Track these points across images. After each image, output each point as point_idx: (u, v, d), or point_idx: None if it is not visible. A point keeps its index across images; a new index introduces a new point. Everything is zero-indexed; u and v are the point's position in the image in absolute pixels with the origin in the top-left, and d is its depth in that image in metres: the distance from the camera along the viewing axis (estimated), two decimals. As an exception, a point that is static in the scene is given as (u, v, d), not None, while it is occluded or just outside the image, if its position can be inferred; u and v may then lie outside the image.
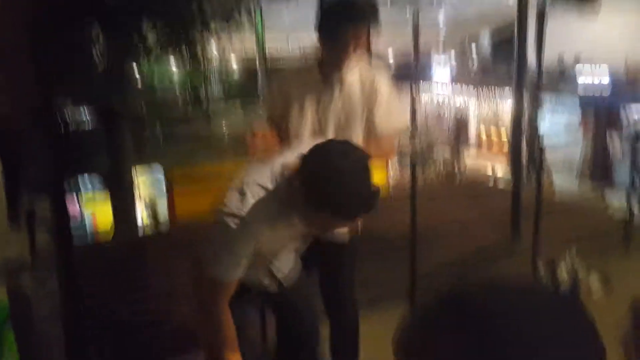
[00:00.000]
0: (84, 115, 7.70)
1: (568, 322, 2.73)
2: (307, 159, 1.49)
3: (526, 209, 4.30)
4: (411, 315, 2.49)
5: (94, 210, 8.89)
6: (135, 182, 7.20)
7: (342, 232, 2.24)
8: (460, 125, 18.13)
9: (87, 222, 9.03)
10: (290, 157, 1.60)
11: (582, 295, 3.28)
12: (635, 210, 4.63)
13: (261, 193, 1.54)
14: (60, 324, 1.26)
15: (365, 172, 1.49)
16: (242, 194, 1.52)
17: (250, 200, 1.52)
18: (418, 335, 2.55)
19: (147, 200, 8.60)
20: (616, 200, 5.76)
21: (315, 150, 1.50)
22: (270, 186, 1.55)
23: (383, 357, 2.77)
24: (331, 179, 1.44)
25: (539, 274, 3.71)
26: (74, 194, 8.65)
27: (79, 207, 8.94)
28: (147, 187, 9.05)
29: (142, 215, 8.32)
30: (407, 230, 3.50)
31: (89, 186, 8.99)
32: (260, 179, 1.56)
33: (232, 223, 1.51)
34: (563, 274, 3.63)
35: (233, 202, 1.52)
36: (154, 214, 8.41)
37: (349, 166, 1.45)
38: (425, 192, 3.97)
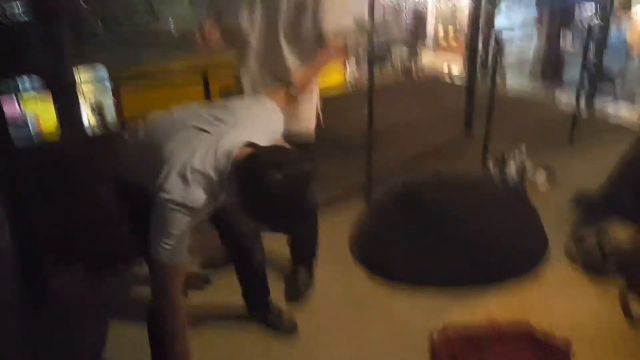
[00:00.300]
0: (17, 8, 7.10)
1: (514, 214, 2.88)
2: (241, 170, 1.46)
3: (479, 107, 4.36)
4: (366, 213, 2.58)
5: (37, 111, 8.51)
6: (79, 82, 6.87)
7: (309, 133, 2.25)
8: (418, 23, 17.80)
9: (30, 123, 8.67)
10: (233, 136, 1.55)
11: (528, 189, 3.42)
12: (582, 107, 4.77)
13: (204, 181, 1.50)
14: (7, 230, 1.20)
15: (301, 189, 1.46)
16: (186, 181, 1.48)
17: (194, 189, 1.48)
18: (372, 232, 2.65)
19: (93, 100, 8.26)
20: (565, 97, 5.90)
21: (251, 161, 1.46)
22: (213, 175, 1.51)
23: (340, 255, 2.88)
24: (262, 197, 1.42)
25: (489, 170, 3.83)
26: (14, 95, 8.20)
27: (20, 108, 8.52)
28: (92, 87, 8.65)
29: (88, 116, 8.05)
30: (364, 128, 3.50)
31: (30, 87, 8.52)
32: (202, 166, 1.50)
33: (176, 210, 1.48)
34: (512, 169, 3.75)
35: (176, 189, 1.47)
36: (100, 115, 8.13)
37: (283, 186, 1.41)
38: (382, 90, 3.94)
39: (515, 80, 8.56)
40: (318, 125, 2.42)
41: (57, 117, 6.17)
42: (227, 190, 1.53)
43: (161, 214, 1.49)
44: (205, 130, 1.59)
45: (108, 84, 7.24)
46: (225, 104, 1.79)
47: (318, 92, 2.42)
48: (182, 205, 1.47)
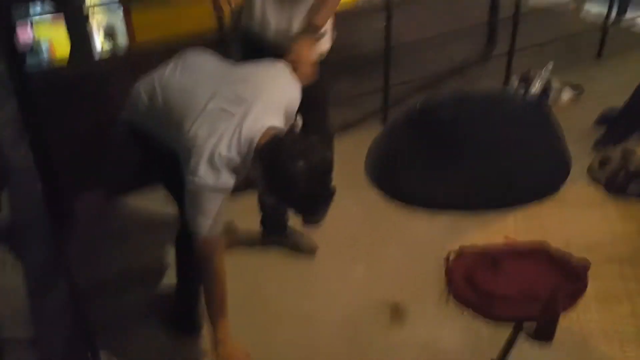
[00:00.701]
0: None
1: (537, 134, 2.76)
2: (264, 159, 1.54)
3: (503, 21, 4.14)
4: (381, 134, 2.52)
5: (50, 36, 8.42)
6: (90, 5, 6.72)
7: (322, 50, 2.18)
8: None
9: (43, 49, 8.60)
10: (255, 118, 1.59)
11: (554, 107, 3.30)
12: (612, 19, 4.51)
13: (231, 164, 1.58)
14: (24, 146, 1.21)
15: (323, 177, 1.56)
16: (215, 167, 1.56)
17: (224, 173, 1.57)
18: (388, 154, 2.59)
19: (104, 25, 8.12)
20: (595, 8, 5.57)
21: (275, 147, 1.54)
22: (237, 159, 1.58)
23: (356, 179, 2.83)
24: (286, 183, 1.51)
25: (512, 87, 3.70)
26: (28, 21, 8.10)
27: (33, 34, 8.43)
28: (104, 11, 8.47)
29: (100, 40, 7.95)
30: (379, 46, 3.36)
31: (43, 13, 8.37)
32: (229, 151, 1.57)
33: (208, 192, 1.58)
34: (537, 88, 3.61)
35: (208, 176, 1.56)
36: (112, 39, 8.01)
37: (305, 172, 1.49)
38: (398, 3, 3.76)
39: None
40: (331, 45, 2.32)
41: (70, 42, 6.10)
42: (251, 171, 1.63)
43: (196, 195, 1.59)
44: (229, 111, 1.61)
45: (119, 8, 7.05)
46: (245, 73, 1.77)
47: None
48: (215, 189, 1.58)
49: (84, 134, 3.34)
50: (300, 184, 1.50)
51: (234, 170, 1.59)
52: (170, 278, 2.20)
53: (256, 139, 1.57)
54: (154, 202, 2.78)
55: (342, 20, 2.43)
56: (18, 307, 1.82)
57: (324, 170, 1.57)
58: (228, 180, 1.58)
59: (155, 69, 1.83)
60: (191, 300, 2.04)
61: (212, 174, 1.56)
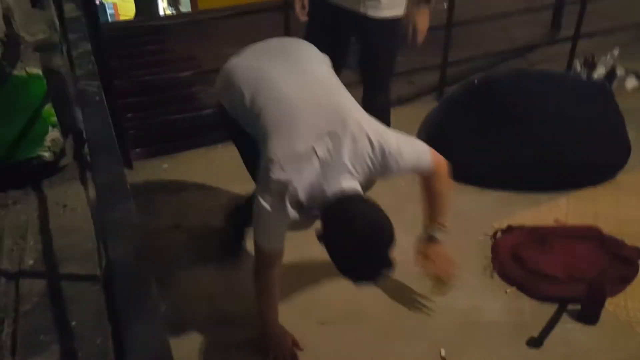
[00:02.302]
0: None
1: (598, 117, 2.71)
2: (330, 217, 1.54)
3: (570, 4, 4.02)
4: (437, 107, 2.51)
5: (116, 0, 8.68)
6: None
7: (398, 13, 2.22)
8: None
9: (108, 12, 8.88)
10: (336, 178, 1.57)
11: (616, 92, 3.19)
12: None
13: (298, 205, 1.59)
14: (97, 81, 1.29)
15: (386, 246, 1.51)
16: (282, 202, 1.57)
17: (289, 209, 1.58)
18: (442, 127, 2.59)
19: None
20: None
21: (341, 214, 1.52)
22: (305, 203, 1.59)
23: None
24: (350, 253, 1.49)
25: (575, 71, 3.60)
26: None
27: (99, -2, 8.71)
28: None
29: (163, 4, 8.13)
30: (443, 22, 3.32)
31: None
32: (302, 197, 1.57)
33: (273, 220, 1.62)
34: (600, 73, 3.50)
35: (272, 204, 1.58)
36: (176, 7, 8.18)
37: (369, 242, 1.48)
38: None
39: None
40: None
41: (135, 6, 6.27)
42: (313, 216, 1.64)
43: (261, 214, 1.61)
44: (317, 156, 1.57)
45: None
46: (342, 103, 1.69)
47: None
48: (277, 218, 1.61)
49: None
50: (355, 261, 1.50)
51: (299, 209, 1.61)
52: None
53: (330, 194, 1.56)
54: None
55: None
56: (78, 245, 1.96)
57: (387, 238, 1.52)
58: (292, 214, 1.60)
59: (251, 51, 1.84)
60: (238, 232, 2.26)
61: (278, 206, 1.58)
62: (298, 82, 1.68)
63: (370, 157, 1.61)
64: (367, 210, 1.54)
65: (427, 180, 1.89)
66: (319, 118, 1.60)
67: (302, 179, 1.56)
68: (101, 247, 1.93)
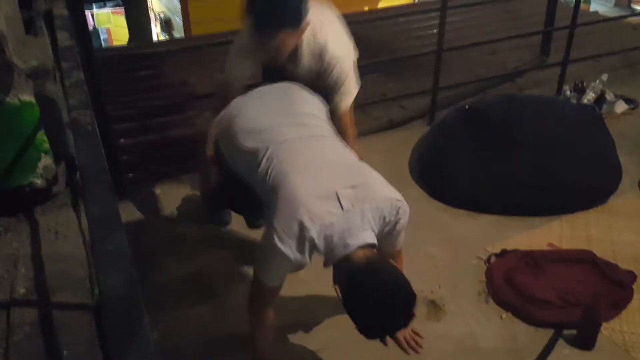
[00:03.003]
0: None
1: (588, 142, 2.73)
2: (349, 276, 1.51)
3: (559, 29, 4.09)
4: (428, 133, 2.54)
5: (109, 25, 8.75)
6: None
7: None
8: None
9: (101, 37, 8.94)
10: (357, 232, 1.54)
11: (606, 117, 3.23)
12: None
13: (314, 250, 1.56)
14: (90, 110, 1.29)
15: (408, 311, 1.53)
16: (302, 248, 1.53)
17: (307, 254, 1.55)
18: (433, 153, 2.61)
19: (162, 15, 8.37)
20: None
21: (362, 281, 1.49)
22: (323, 251, 1.56)
23: (398, 175, 2.82)
24: (372, 318, 1.49)
25: (565, 96, 3.64)
26: (88, 12, 8.41)
27: (93, 22, 8.77)
28: (162, 4, 8.74)
29: (157, 30, 8.19)
30: (433, 46, 3.37)
31: (103, 4, 8.70)
32: (319, 242, 1.54)
33: (283, 261, 1.55)
34: (589, 96, 3.55)
35: (291, 250, 1.53)
36: (169, 32, 8.25)
37: (390, 308, 1.48)
38: (455, 5, 3.78)
39: (600, 6, 7.94)
40: None
41: (129, 31, 6.32)
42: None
43: (273, 257, 1.57)
44: (341, 204, 1.54)
45: (177, 1, 7.26)
46: (357, 162, 1.73)
47: None
48: (292, 261, 1.56)
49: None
50: (376, 324, 1.51)
51: (311, 254, 1.58)
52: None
53: (350, 250, 1.53)
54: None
55: (397, 19, 2.47)
56: (70, 272, 1.93)
57: (408, 303, 1.53)
58: (305, 260, 1.56)
59: (255, 99, 1.89)
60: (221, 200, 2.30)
61: (295, 250, 1.53)
62: (307, 140, 1.71)
63: (386, 213, 1.62)
64: (391, 275, 1.53)
65: None
66: (337, 171, 1.62)
67: (326, 226, 1.52)
68: (93, 274, 1.91)
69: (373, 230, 1.58)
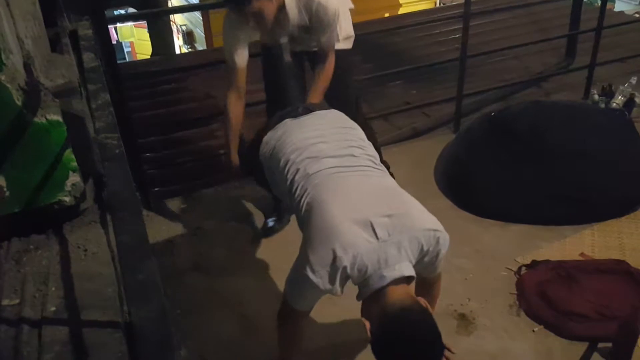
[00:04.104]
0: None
1: (618, 149, 2.67)
2: (382, 333, 1.44)
3: (584, 33, 4.01)
4: (454, 142, 2.48)
5: (132, 39, 8.87)
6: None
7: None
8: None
9: (125, 50, 9.07)
10: (393, 264, 1.48)
11: (636, 121, 3.16)
12: None
13: (346, 280, 1.51)
14: (117, 133, 1.30)
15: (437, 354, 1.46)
16: (334, 279, 1.48)
17: (337, 284, 1.50)
18: (460, 163, 2.55)
19: (184, 28, 8.47)
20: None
21: (393, 331, 1.44)
22: (357, 280, 1.52)
23: (425, 185, 2.79)
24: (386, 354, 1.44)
25: (592, 100, 3.57)
26: (111, 26, 8.56)
27: (117, 36, 8.91)
28: (185, 18, 8.84)
29: (179, 43, 8.28)
30: (457, 51, 3.33)
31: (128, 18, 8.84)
32: (352, 273, 1.49)
33: (314, 289, 1.52)
34: (618, 100, 3.47)
35: (323, 280, 1.49)
36: (191, 42, 8.34)
37: (421, 352, 1.42)
38: (478, 10, 3.73)
39: (625, 5, 7.78)
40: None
41: (152, 45, 6.40)
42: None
43: (301, 282, 1.54)
44: (375, 234, 1.49)
45: (199, 14, 7.34)
46: (393, 186, 1.69)
47: None
48: (322, 291, 1.52)
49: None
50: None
51: (347, 282, 1.54)
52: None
53: (385, 282, 1.47)
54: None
55: (420, 25, 2.43)
56: (100, 290, 1.95)
57: (437, 348, 1.47)
58: (336, 290, 1.52)
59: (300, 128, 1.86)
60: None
61: (327, 280, 1.49)
62: (346, 170, 1.67)
63: (424, 243, 1.54)
64: (425, 330, 1.45)
65: None
66: (373, 199, 1.57)
67: (360, 255, 1.46)
68: (122, 292, 1.92)
69: (410, 262, 1.52)
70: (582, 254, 2.40)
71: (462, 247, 2.50)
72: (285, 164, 1.76)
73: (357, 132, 1.90)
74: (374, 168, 1.74)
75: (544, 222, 2.57)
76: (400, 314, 1.44)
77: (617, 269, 2.26)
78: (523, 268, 2.34)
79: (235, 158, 2.36)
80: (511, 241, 2.53)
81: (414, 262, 1.53)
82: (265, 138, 1.93)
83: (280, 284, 2.14)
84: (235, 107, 2.32)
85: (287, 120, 1.93)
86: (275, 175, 1.84)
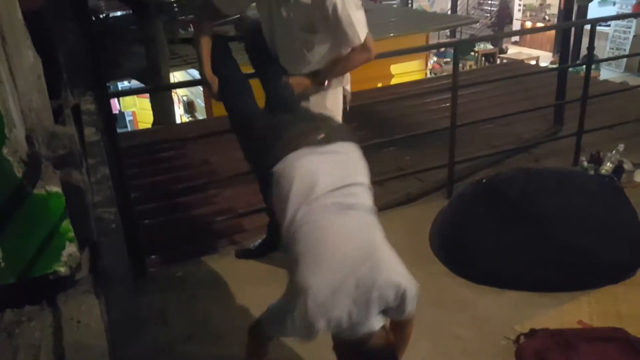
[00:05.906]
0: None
1: (610, 214, 2.71)
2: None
3: (571, 100, 4.15)
4: (447, 209, 2.54)
5: (134, 109, 9.06)
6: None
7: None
8: (503, 13, 17.47)
9: (127, 119, 9.24)
10: (373, 319, 1.63)
11: (626, 188, 3.21)
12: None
13: (329, 325, 1.60)
14: (114, 208, 1.33)
15: None
16: (308, 335, 1.61)
17: (320, 329, 1.58)
18: (454, 230, 2.62)
19: (185, 98, 8.68)
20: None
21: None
22: (344, 326, 1.60)
23: (419, 251, 2.81)
24: None
25: (582, 167, 3.64)
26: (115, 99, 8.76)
27: (119, 107, 9.10)
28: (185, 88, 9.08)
29: (180, 112, 8.46)
30: (449, 118, 3.43)
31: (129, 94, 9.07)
32: (337, 320, 1.59)
33: (305, 330, 1.60)
34: (607, 167, 3.54)
35: (296, 332, 1.62)
36: (192, 114, 8.52)
37: None
38: (465, 82, 3.85)
39: (610, 72, 8.06)
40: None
41: (153, 114, 6.56)
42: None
43: (278, 324, 1.65)
44: (358, 287, 1.57)
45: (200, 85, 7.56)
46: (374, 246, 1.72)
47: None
48: (304, 335, 1.64)
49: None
50: None
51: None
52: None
53: (358, 336, 1.62)
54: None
55: (410, 96, 2.53)
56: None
57: None
58: (312, 337, 1.61)
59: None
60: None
61: (301, 333, 1.62)
62: (341, 215, 1.71)
63: (390, 301, 1.63)
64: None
65: None
66: (353, 256, 1.62)
67: (334, 319, 1.57)
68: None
69: (380, 314, 1.64)
70: (580, 322, 2.38)
71: (458, 314, 2.48)
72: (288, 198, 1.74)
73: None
74: (369, 211, 1.80)
75: (539, 288, 2.57)
76: (368, 351, 1.60)
77: (615, 336, 2.24)
78: (521, 337, 2.32)
79: (209, 74, 2.42)
80: (508, 307, 2.51)
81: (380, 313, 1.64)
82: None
83: (280, 352, 2.12)
84: (206, 33, 2.41)
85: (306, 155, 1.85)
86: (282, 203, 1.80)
